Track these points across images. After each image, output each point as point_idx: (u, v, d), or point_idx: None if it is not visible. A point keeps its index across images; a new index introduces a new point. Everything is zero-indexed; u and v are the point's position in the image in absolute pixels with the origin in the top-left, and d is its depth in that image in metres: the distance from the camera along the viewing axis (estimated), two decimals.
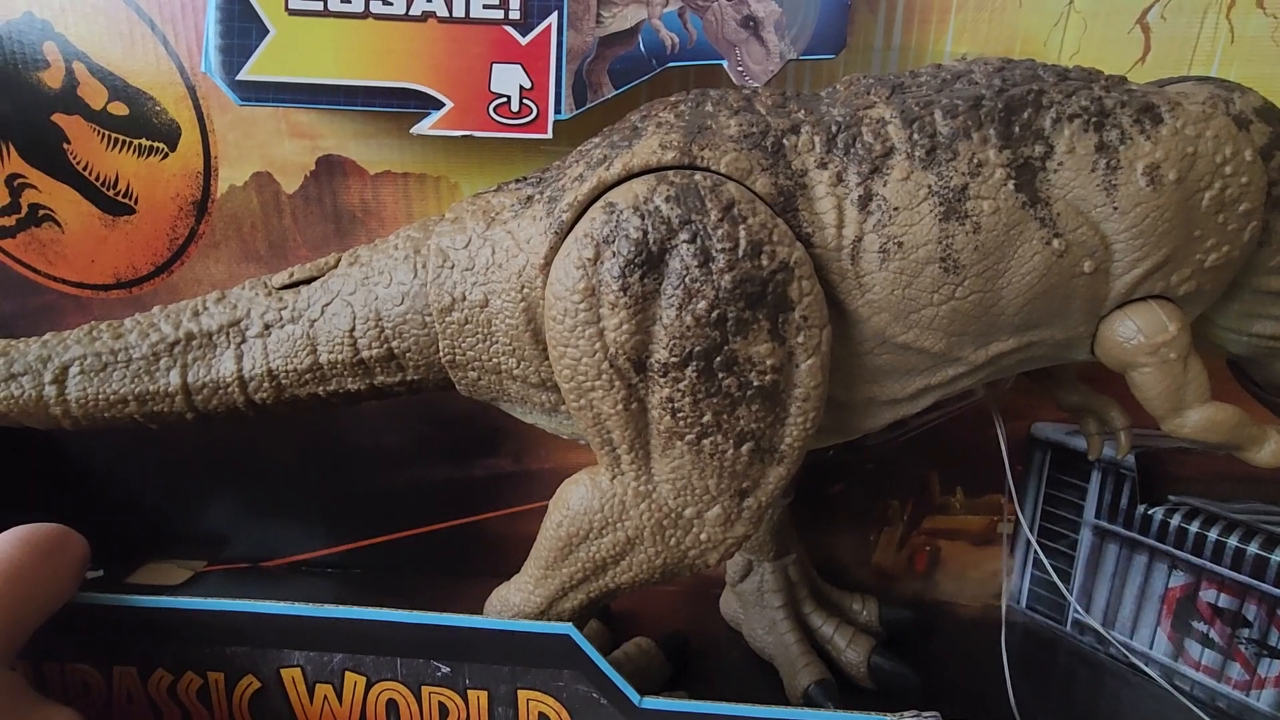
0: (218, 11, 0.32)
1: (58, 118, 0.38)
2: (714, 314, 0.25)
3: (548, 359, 0.27)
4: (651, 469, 0.27)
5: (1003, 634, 0.37)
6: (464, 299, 0.28)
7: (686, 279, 0.25)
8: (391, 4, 0.32)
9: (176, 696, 0.29)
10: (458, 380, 0.30)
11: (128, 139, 0.38)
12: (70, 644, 0.28)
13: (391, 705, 0.28)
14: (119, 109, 0.38)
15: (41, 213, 0.40)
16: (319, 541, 0.45)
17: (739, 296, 0.25)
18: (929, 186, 0.25)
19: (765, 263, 0.25)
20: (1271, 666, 0.36)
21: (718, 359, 0.25)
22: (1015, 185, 0.25)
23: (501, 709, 0.27)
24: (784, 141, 0.26)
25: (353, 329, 0.29)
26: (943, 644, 0.40)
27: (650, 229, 0.25)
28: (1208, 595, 0.37)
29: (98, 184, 0.39)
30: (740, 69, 0.33)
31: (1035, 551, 0.42)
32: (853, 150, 0.26)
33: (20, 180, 0.39)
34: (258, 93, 0.33)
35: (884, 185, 0.26)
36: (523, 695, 0.27)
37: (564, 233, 0.26)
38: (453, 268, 0.28)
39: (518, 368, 0.28)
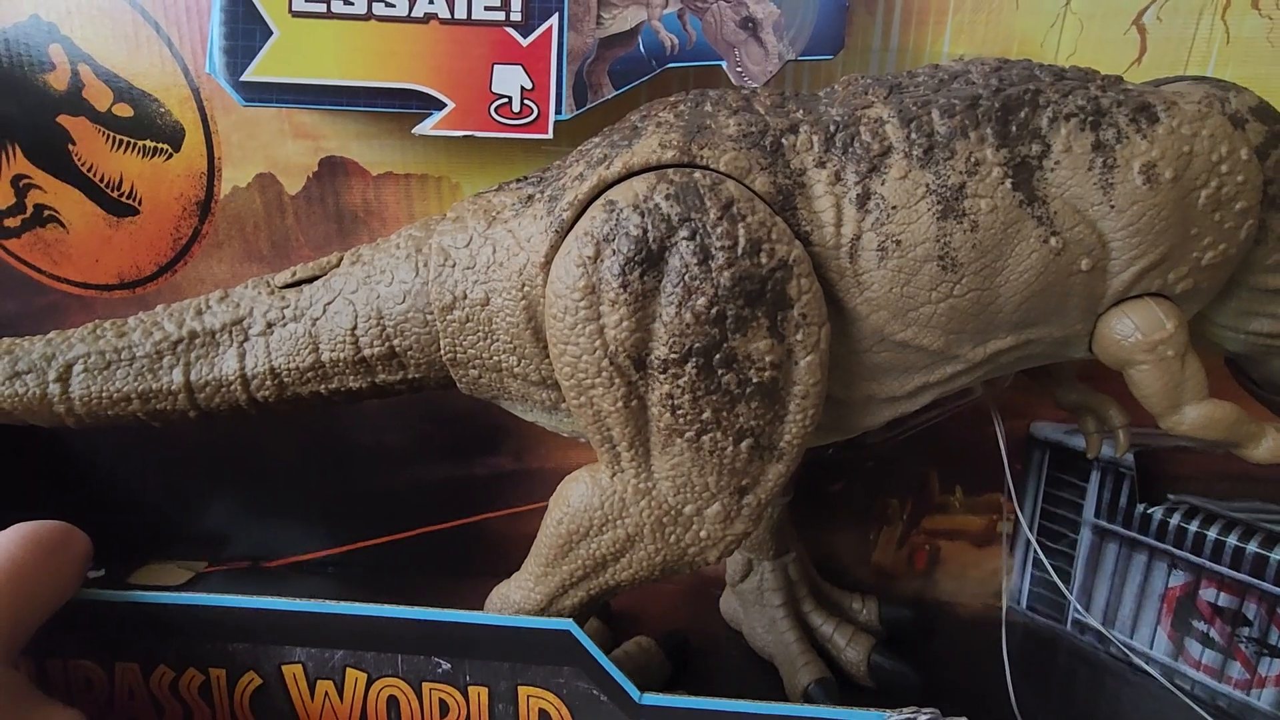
0: (222, 13, 0.32)
1: (63, 119, 0.38)
2: (713, 311, 0.25)
3: (548, 357, 0.28)
4: (651, 466, 0.27)
5: (1003, 633, 0.37)
6: (465, 297, 0.28)
7: (686, 276, 0.25)
8: (394, 6, 0.33)
9: (178, 693, 0.29)
10: (459, 378, 0.30)
11: (132, 140, 0.39)
12: (73, 641, 0.29)
13: (392, 702, 0.28)
14: (124, 110, 0.38)
15: (46, 213, 0.40)
16: (320, 541, 0.46)
17: (738, 294, 0.25)
18: (927, 185, 0.26)
19: (764, 260, 0.25)
20: (1272, 665, 0.36)
21: (717, 356, 0.25)
22: (1012, 184, 0.26)
23: (502, 705, 0.28)
24: (782, 141, 0.26)
25: (354, 327, 0.29)
26: (943, 643, 0.40)
27: (650, 227, 0.25)
28: (1207, 594, 0.37)
29: (102, 185, 0.39)
30: (739, 70, 0.34)
31: (1035, 551, 0.42)
32: (851, 149, 0.26)
33: (26, 181, 0.40)
34: (261, 93, 0.33)
35: (882, 184, 0.26)
36: (523, 691, 0.27)
37: (564, 231, 0.26)
38: (454, 266, 0.28)
39: (518, 365, 0.28)
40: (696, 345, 0.25)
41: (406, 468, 0.43)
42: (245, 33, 0.33)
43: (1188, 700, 0.37)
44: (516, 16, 0.33)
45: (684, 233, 0.25)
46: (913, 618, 0.40)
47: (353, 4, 0.33)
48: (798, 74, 0.36)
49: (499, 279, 0.28)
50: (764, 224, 0.25)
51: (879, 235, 0.26)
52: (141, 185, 0.39)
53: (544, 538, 0.29)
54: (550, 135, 0.33)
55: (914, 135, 0.26)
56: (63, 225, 0.40)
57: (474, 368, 0.29)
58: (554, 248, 0.27)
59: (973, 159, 0.26)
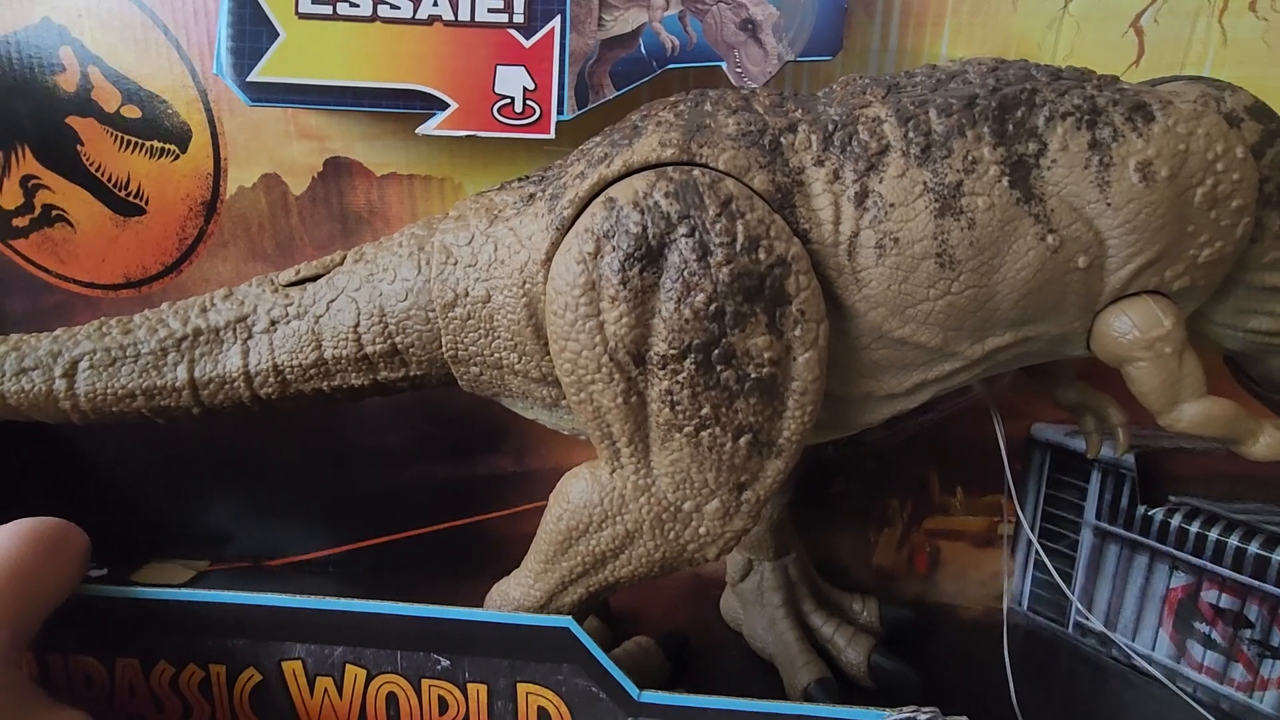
0: (229, 15, 0.33)
1: (72, 120, 0.39)
2: (712, 307, 0.25)
3: (549, 354, 0.28)
4: (651, 462, 0.27)
5: (1004, 635, 0.37)
6: (467, 294, 0.28)
7: (685, 273, 0.25)
8: (398, 7, 0.33)
9: (178, 689, 0.29)
10: (460, 376, 0.30)
11: (140, 141, 0.39)
12: (74, 636, 0.29)
13: (391, 698, 0.28)
14: (132, 112, 0.39)
15: (54, 213, 0.40)
16: (321, 541, 0.46)
17: (737, 290, 0.25)
18: (924, 183, 0.26)
19: (762, 257, 0.25)
20: (1274, 668, 0.36)
21: (716, 352, 0.25)
22: (1009, 182, 0.26)
23: (501, 703, 0.28)
24: (781, 140, 0.27)
25: (357, 324, 0.30)
26: (943, 645, 0.40)
27: (649, 224, 0.25)
28: (1209, 596, 0.37)
29: (110, 185, 0.40)
30: (739, 70, 0.34)
31: (1037, 553, 0.42)
32: (849, 148, 0.26)
33: (34, 181, 0.40)
34: (267, 94, 0.34)
35: (880, 182, 0.26)
36: (522, 689, 0.27)
37: (565, 228, 0.27)
38: (456, 264, 0.28)
39: (519, 363, 0.29)
40: (695, 341, 0.25)
41: (407, 468, 0.44)
42: (252, 34, 0.33)
43: (1190, 702, 0.37)
44: (519, 18, 0.33)
45: (683, 230, 0.25)
46: (913, 618, 0.40)
47: (358, 6, 0.33)
48: (797, 75, 0.36)
49: (500, 276, 0.28)
50: (762, 221, 0.25)
51: (877, 233, 0.26)
52: (148, 185, 0.40)
53: (544, 534, 0.29)
54: (552, 135, 0.34)
55: (911, 134, 0.26)
56: (70, 225, 0.41)
57: (475, 365, 0.29)
58: (555, 245, 0.27)
59: (970, 157, 0.26)
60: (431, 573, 0.44)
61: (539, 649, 0.27)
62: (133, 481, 0.44)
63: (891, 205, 0.26)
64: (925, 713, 0.25)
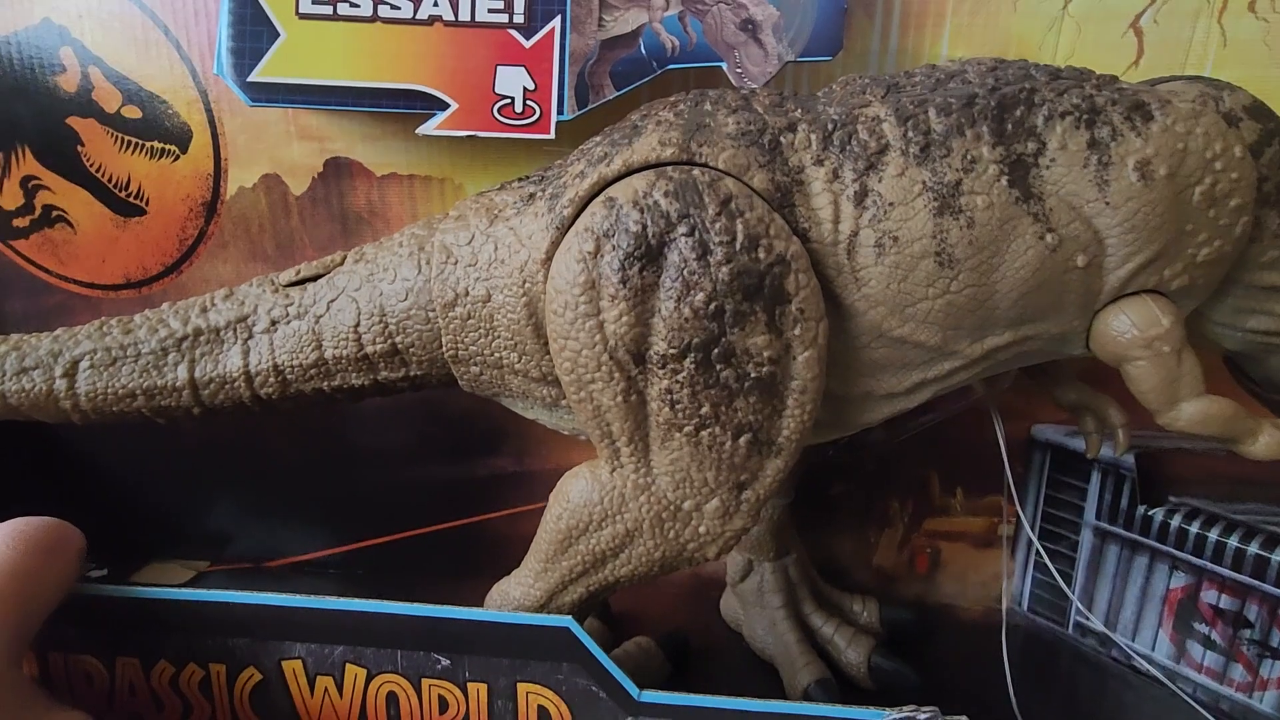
0: (230, 15, 0.33)
1: (72, 121, 0.39)
2: (711, 306, 0.25)
3: (549, 353, 0.28)
4: (651, 461, 0.27)
5: (1004, 635, 0.37)
6: (467, 294, 0.28)
7: (684, 271, 0.25)
8: (398, 8, 0.33)
9: (178, 688, 0.29)
10: (460, 375, 0.30)
11: (140, 141, 0.39)
12: (75, 636, 0.29)
13: (391, 698, 0.28)
14: (132, 112, 0.39)
15: (55, 214, 0.40)
16: (321, 541, 0.46)
17: (736, 289, 0.25)
18: (923, 182, 0.26)
19: (762, 256, 0.25)
20: (1274, 668, 0.36)
21: (715, 351, 0.25)
22: (1008, 181, 0.26)
23: (501, 702, 0.28)
24: (781, 139, 0.27)
25: (357, 324, 0.30)
26: (943, 645, 0.40)
27: (649, 223, 0.25)
28: (1209, 596, 0.37)
29: (110, 185, 0.40)
30: (739, 71, 0.34)
31: (1037, 553, 0.42)
32: (848, 147, 0.26)
33: (35, 182, 0.40)
34: (268, 94, 0.34)
35: (879, 181, 0.26)
36: (522, 688, 0.27)
37: (565, 228, 0.27)
38: (456, 264, 0.28)
39: (519, 362, 0.29)
40: (695, 340, 0.25)
41: (407, 468, 0.44)
42: (253, 34, 0.33)
43: (1190, 702, 0.37)
44: (519, 19, 0.33)
45: (683, 229, 0.25)
46: (913, 619, 0.40)
47: (358, 6, 0.33)
48: (797, 75, 0.37)
49: (500, 276, 0.28)
50: (762, 220, 0.25)
51: (876, 232, 0.26)
52: (149, 186, 0.40)
53: (544, 534, 0.29)
54: (552, 135, 0.34)
55: (911, 133, 0.26)
56: (71, 225, 0.41)
57: (475, 364, 0.29)
58: (555, 244, 0.27)
59: (969, 156, 0.26)
60: (431, 573, 0.44)
61: (539, 648, 0.27)
62: (133, 481, 0.44)
63: (891, 204, 0.26)
64: (925, 713, 0.25)
